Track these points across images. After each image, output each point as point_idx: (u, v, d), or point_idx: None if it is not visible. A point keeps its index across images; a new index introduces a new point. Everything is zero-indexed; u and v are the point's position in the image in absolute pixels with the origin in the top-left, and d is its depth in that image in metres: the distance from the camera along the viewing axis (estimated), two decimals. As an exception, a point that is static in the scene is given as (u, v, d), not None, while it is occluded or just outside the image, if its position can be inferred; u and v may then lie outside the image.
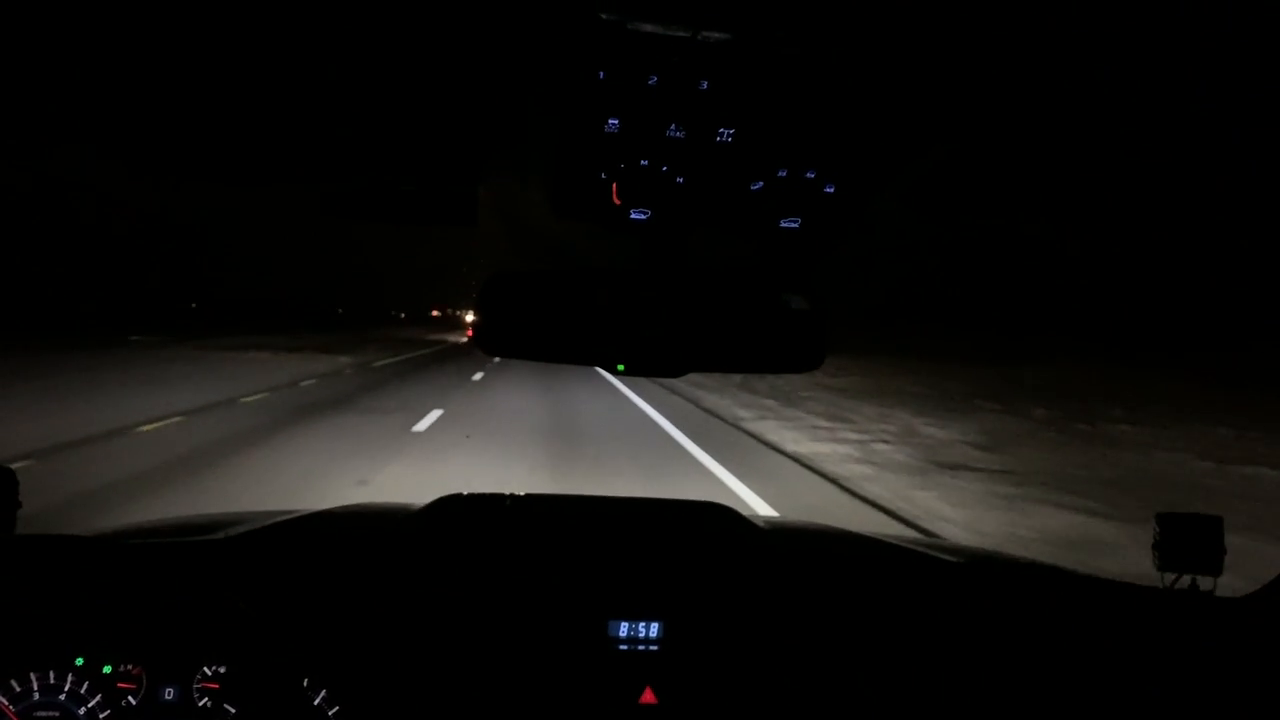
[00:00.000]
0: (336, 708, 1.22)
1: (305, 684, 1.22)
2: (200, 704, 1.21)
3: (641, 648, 1.31)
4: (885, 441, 10.91)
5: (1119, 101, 1.12)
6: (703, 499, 1.85)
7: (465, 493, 1.75)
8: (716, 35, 0.91)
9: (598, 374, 17.22)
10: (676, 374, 1.12)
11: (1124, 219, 1.67)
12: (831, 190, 1.04)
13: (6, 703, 1.17)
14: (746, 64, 0.96)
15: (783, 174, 1.03)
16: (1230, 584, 1.41)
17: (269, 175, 1.40)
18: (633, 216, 1.03)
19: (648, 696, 1.28)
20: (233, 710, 1.20)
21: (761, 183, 1.03)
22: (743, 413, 13.54)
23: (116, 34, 0.96)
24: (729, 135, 0.99)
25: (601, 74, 0.94)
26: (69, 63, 1.03)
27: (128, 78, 1.06)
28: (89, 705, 1.19)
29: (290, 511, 1.78)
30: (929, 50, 0.99)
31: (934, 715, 1.30)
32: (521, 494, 1.88)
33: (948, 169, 1.25)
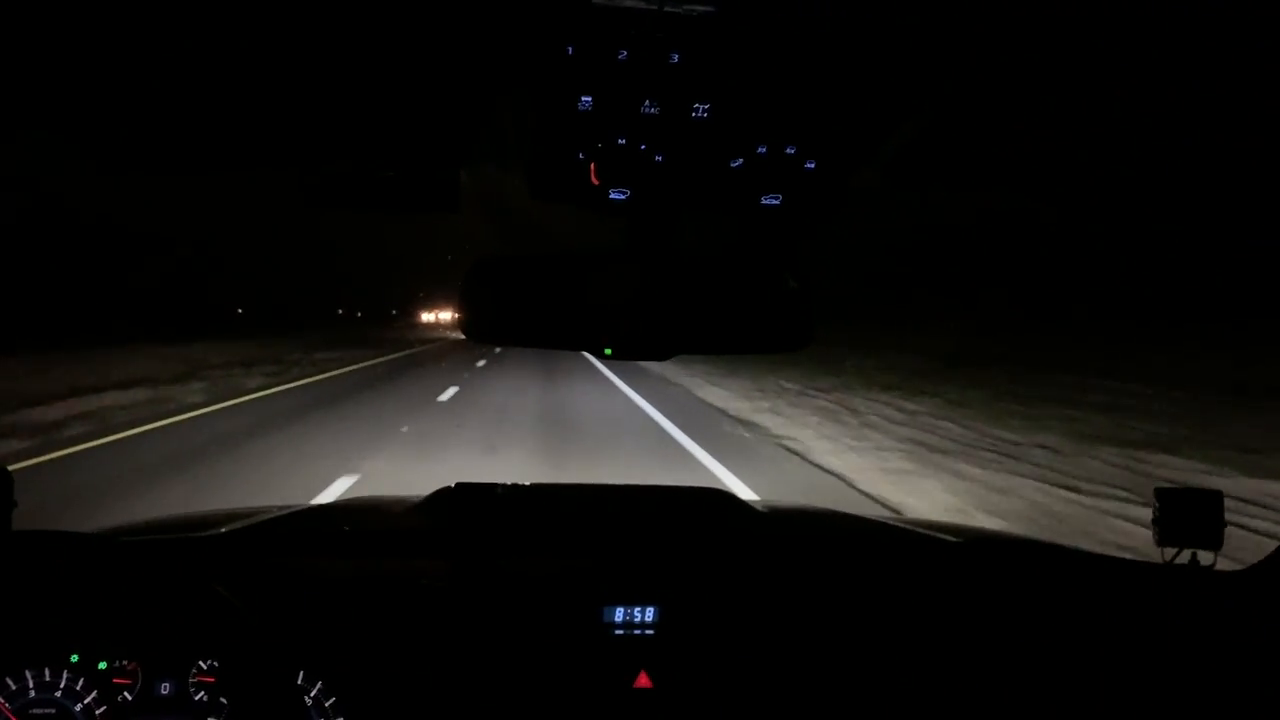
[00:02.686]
0: (333, 699, 1.22)
1: (300, 677, 1.22)
2: (196, 698, 1.21)
3: (637, 632, 1.32)
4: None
5: (1101, 70, 1.12)
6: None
7: (463, 483, 1.75)
8: (685, 7, 0.91)
9: (636, 407, 12.76)
10: (663, 357, 1.12)
11: (1108, 195, 1.67)
12: (812, 166, 1.04)
13: (2, 700, 1.17)
14: (717, 37, 0.95)
15: (762, 150, 1.02)
16: (1230, 558, 1.42)
17: (240, 163, 1.38)
18: (612, 196, 1.02)
19: (643, 681, 1.28)
20: (228, 704, 1.20)
21: (741, 160, 1.02)
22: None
23: (80, 19, 0.94)
24: (704, 111, 0.99)
25: (570, 49, 0.93)
26: (38, 48, 1.01)
27: (90, 63, 1.04)
28: (85, 701, 1.18)
29: (288, 507, 1.78)
30: (906, 20, 0.99)
31: (934, 697, 1.31)
32: (518, 484, 1.88)
33: (928, 142, 1.25)
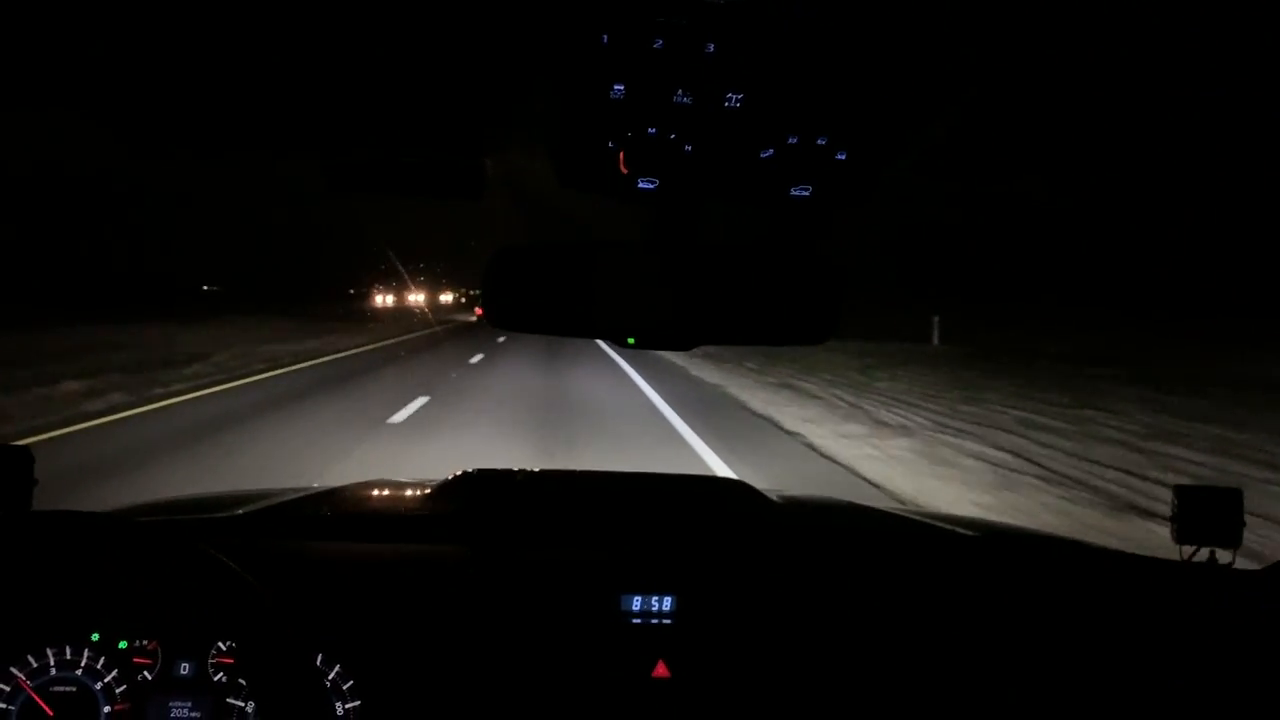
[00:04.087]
0: (350, 683, 1.22)
1: (319, 660, 1.22)
2: (215, 679, 1.21)
3: (655, 621, 1.31)
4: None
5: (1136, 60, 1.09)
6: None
7: (481, 469, 1.75)
8: None
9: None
10: (685, 347, 1.10)
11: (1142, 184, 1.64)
12: (844, 157, 1.02)
13: (24, 678, 1.18)
14: (754, 26, 0.94)
15: (793, 141, 1.00)
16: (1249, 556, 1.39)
17: (265, 146, 1.37)
18: (640, 186, 1.01)
19: (660, 670, 1.28)
20: (247, 685, 1.21)
21: (772, 150, 1.01)
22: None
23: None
24: (737, 100, 0.97)
25: (605, 38, 0.92)
26: (63, 27, 1.01)
27: (109, 41, 1.04)
28: (105, 680, 1.20)
29: (307, 489, 1.79)
30: (941, 9, 0.96)
31: (950, 689, 1.30)
32: (536, 469, 1.89)
33: (962, 133, 1.23)
